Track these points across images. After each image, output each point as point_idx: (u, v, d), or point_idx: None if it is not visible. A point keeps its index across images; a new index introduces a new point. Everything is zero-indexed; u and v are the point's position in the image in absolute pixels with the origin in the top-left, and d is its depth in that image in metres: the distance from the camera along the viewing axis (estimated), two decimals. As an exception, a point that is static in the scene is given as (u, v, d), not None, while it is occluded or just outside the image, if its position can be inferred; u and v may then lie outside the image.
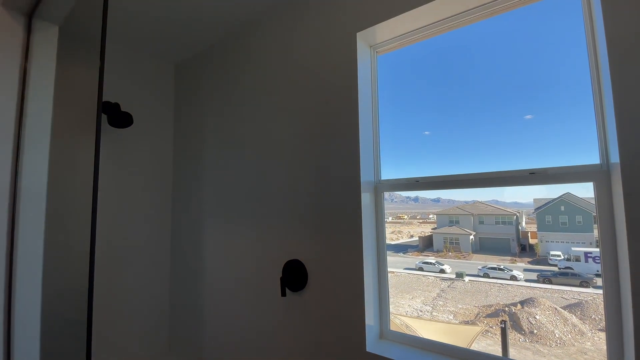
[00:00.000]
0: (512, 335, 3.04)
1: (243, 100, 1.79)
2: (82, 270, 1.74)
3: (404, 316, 3.45)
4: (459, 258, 3.41)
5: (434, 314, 3.53)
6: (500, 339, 3.08)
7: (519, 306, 3.21)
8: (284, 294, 1.43)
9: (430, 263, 3.64)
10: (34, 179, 1.24)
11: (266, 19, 1.70)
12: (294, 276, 1.43)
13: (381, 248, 1.32)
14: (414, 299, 3.73)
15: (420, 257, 3.69)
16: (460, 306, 3.49)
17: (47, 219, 1.28)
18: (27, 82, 1.27)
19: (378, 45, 1.41)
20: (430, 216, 3.91)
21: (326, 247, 1.34)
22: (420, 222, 4.03)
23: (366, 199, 1.29)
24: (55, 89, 1.36)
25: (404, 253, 3.71)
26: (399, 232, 3.89)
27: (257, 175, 1.67)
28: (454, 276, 3.51)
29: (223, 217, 1.83)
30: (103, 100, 1.89)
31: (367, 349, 1.20)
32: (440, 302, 3.56)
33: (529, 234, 3.02)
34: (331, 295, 1.31)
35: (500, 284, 3.24)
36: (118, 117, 1.81)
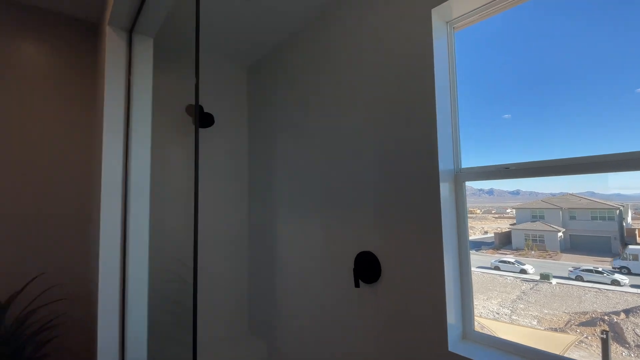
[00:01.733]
0: (613, 348, 2.61)
1: (312, 93, 1.82)
2: (175, 254, 1.96)
3: (478, 317, 3.20)
4: (544, 257, 3.04)
5: (513, 317, 3.21)
6: (598, 351, 2.67)
7: (622, 315, 2.74)
8: (357, 284, 1.43)
9: (509, 262, 3.31)
10: (140, 175, 1.43)
11: (335, 8, 1.69)
12: (367, 268, 1.42)
13: (463, 243, 1.23)
14: (489, 300, 3.44)
15: (497, 255, 3.37)
16: (546, 311, 3.12)
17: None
18: (131, 90, 1.47)
19: (455, 20, 1.30)
20: (508, 210, 3.55)
21: (401, 240, 1.30)
22: (496, 217, 3.68)
23: (445, 189, 1.21)
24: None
25: (476, 250, 3.43)
26: (471, 227, 3.61)
27: (328, 167, 1.68)
28: (537, 277, 3.14)
29: (296, 208, 1.89)
30: (188, 103, 2.09)
31: (450, 349, 1.14)
32: (521, 306, 3.22)
33: (637, 232, 2.54)
34: (407, 290, 1.27)
35: (598, 288, 2.79)
36: (202, 118, 1.99)
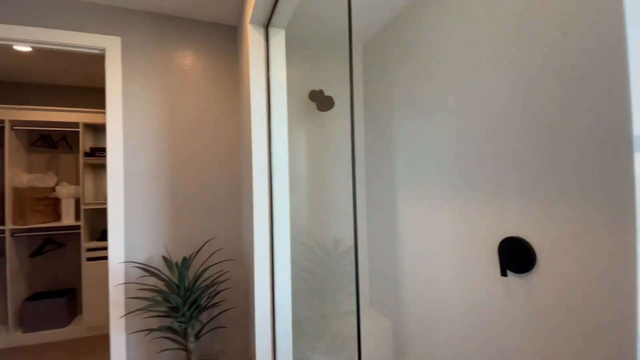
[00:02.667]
0: None
1: (438, 59, 1.67)
2: (301, 227, 2.14)
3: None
4: None
5: None
6: None
7: None
8: (504, 273, 1.29)
9: None
10: (280, 156, 1.59)
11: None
12: (515, 256, 1.26)
13: (669, 233, 0.96)
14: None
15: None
16: None
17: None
18: (270, 79, 1.62)
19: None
20: None
21: (566, 226, 1.10)
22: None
23: (641, 163, 0.94)
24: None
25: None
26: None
27: (460, 141, 1.54)
28: None
29: (418, 187, 1.82)
30: (311, 89, 2.20)
31: (644, 362, 0.92)
32: None
33: None
34: (576, 287, 1.07)
35: None
36: (322, 102, 2.07)
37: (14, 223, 2.88)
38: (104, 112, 3.13)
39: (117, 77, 1.86)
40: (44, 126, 3.04)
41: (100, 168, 3.33)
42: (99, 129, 3.31)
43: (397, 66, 2.00)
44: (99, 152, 3.05)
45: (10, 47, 2.36)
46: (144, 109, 1.92)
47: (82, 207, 2.98)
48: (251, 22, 1.65)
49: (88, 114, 3.08)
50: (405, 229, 1.95)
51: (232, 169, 2.10)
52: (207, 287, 1.79)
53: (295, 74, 2.20)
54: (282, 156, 1.59)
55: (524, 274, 1.25)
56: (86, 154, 3.04)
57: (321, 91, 2.10)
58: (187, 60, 2.04)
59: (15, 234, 2.96)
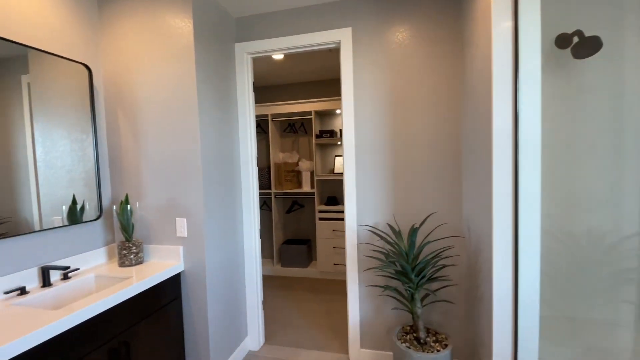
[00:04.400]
0: None
1: None
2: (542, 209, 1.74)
3: None
4: None
5: None
6: None
7: None
8: None
9: None
10: (529, 123, 1.34)
11: None
12: None
13: None
14: None
15: None
16: None
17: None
18: (518, 30, 1.36)
19: None
20: None
21: None
22: None
23: None
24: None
25: None
26: None
27: None
28: None
29: None
30: (559, 32, 1.71)
31: None
32: None
33: None
34: None
35: None
36: (583, 45, 1.57)
37: (275, 188, 3.98)
38: (329, 100, 3.72)
39: (349, 64, 2.11)
40: (290, 116, 3.98)
41: (325, 147, 4.03)
42: (324, 115, 3.99)
43: None
44: (325, 134, 3.68)
45: (270, 57, 3.17)
46: (370, 91, 2.10)
47: (315, 178, 3.74)
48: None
49: (317, 103, 3.75)
50: None
51: (450, 141, 1.99)
52: (430, 260, 1.82)
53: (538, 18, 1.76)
54: (533, 122, 1.32)
55: None
56: (316, 136, 3.74)
57: (579, 32, 1.59)
58: (405, 34, 2.04)
59: (276, 196, 4.10)
